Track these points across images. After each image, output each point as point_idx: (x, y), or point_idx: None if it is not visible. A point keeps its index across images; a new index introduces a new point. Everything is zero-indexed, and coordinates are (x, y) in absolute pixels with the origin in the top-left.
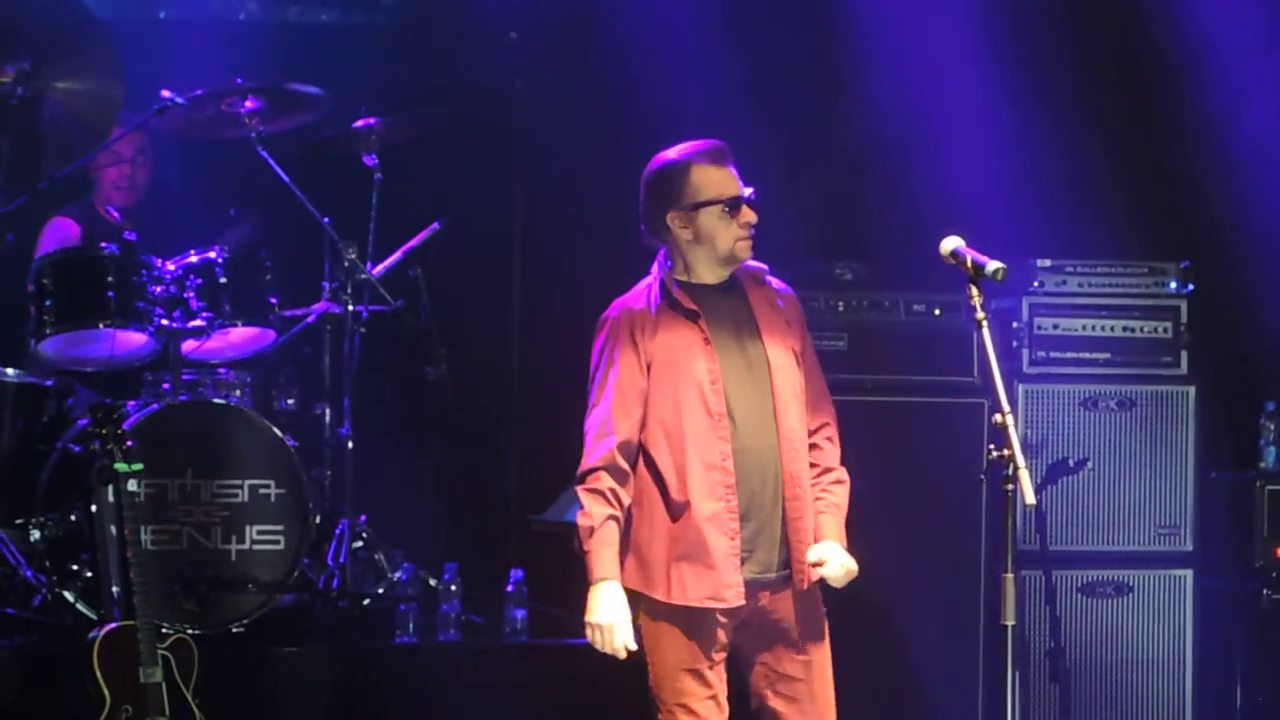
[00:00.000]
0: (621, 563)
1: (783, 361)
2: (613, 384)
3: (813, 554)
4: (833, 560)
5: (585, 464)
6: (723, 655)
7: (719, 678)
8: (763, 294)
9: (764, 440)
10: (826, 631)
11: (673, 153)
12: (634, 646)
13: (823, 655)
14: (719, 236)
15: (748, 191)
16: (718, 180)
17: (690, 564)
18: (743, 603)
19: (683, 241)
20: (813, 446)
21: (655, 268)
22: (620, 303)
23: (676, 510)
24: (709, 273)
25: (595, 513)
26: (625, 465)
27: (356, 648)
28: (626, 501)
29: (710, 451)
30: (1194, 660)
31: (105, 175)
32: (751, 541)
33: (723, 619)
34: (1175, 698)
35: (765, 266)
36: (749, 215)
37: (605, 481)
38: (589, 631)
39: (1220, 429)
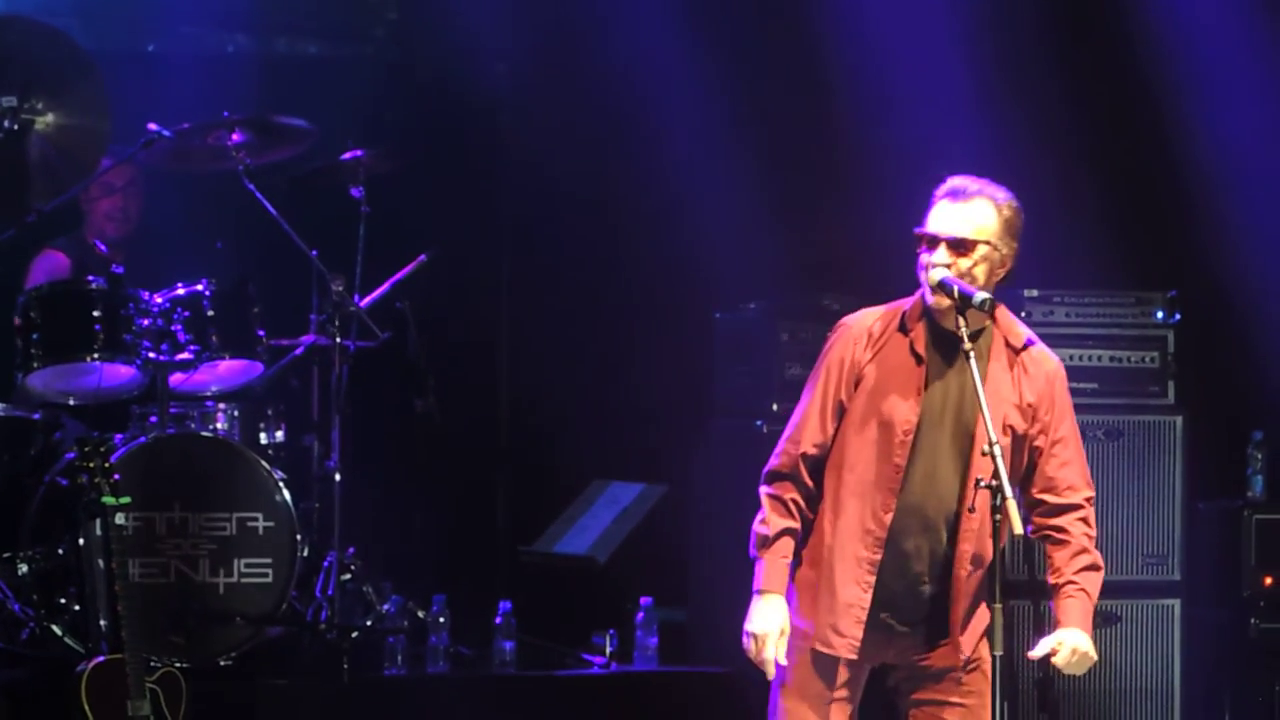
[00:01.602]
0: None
1: (999, 422)
2: (818, 392)
3: (1047, 643)
4: (1066, 646)
5: (771, 464)
6: (844, 700)
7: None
8: (1011, 363)
9: (939, 508)
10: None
11: None
12: (784, 662)
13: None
14: (922, 276)
15: (943, 232)
16: (932, 213)
17: (819, 599)
18: (853, 657)
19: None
20: (1059, 529)
21: (918, 295)
22: (862, 312)
23: (825, 539)
24: (942, 317)
25: (774, 523)
26: (808, 477)
27: (345, 680)
28: (810, 516)
29: (873, 498)
30: (1182, 689)
31: (98, 207)
32: (893, 601)
33: (847, 664)
34: None
35: (1033, 338)
36: (933, 256)
37: (790, 491)
38: (745, 639)
39: (1207, 458)
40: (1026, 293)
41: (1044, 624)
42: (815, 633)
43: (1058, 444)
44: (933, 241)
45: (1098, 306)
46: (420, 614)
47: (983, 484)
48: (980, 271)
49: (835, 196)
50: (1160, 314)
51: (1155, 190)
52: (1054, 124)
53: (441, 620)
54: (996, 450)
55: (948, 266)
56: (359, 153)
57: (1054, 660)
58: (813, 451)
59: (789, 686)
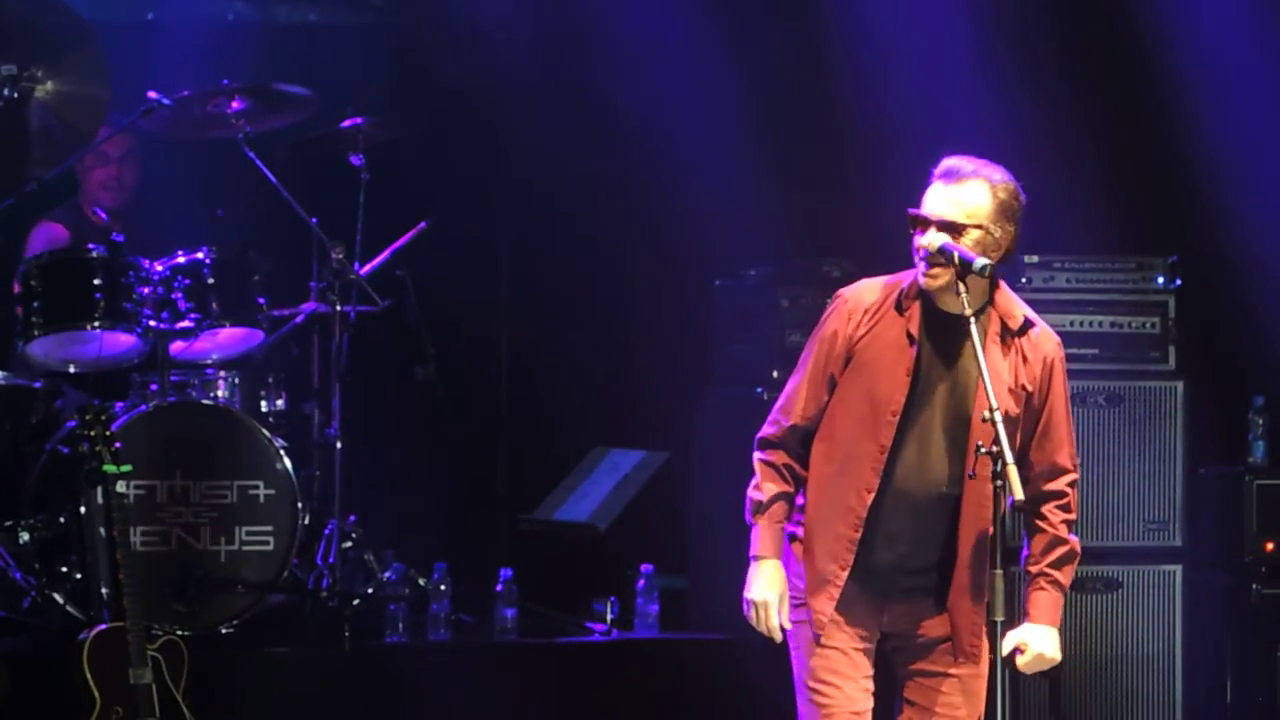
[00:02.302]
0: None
1: (994, 404)
2: (810, 363)
3: (1012, 639)
4: (1030, 650)
5: (764, 431)
6: (861, 651)
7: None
8: (1008, 346)
9: (928, 491)
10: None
11: None
12: (789, 626)
13: (977, 681)
14: (915, 259)
15: (933, 214)
16: (925, 197)
17: (806, 567)
18: (821, 632)
19: None
20: (1039, 515)
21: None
22: (859, 285)
23: (809, 511)
24: (938, 297)
25: (767, 489)
26: (800, 446)
27: (346, 648)
28: (803, 477)
29: (856, 476)
30: (1184, 655)
31: (92, 176)
32: (878, 577)
33: (851, 619)
34: (1165, 693)
35: (1033, 319)
36: (925, 239)
37: (783, 458)
38: (745, 607)
39: (1209, 424)
40: (1026, 258)
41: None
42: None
43: (1048, 427)
44: (924, 223)
45: (1098, 272)
46: (421, 581)
47: (983, 450)
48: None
49: (836, 161)
50: (1161, 279)
51: (1156, 155)
52: (1055, 88)
53: (443, 588)
54: (997, 416)
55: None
56: (359, 120)
57: (1016, 661)
58: (803, 424)
59: (805, 646)
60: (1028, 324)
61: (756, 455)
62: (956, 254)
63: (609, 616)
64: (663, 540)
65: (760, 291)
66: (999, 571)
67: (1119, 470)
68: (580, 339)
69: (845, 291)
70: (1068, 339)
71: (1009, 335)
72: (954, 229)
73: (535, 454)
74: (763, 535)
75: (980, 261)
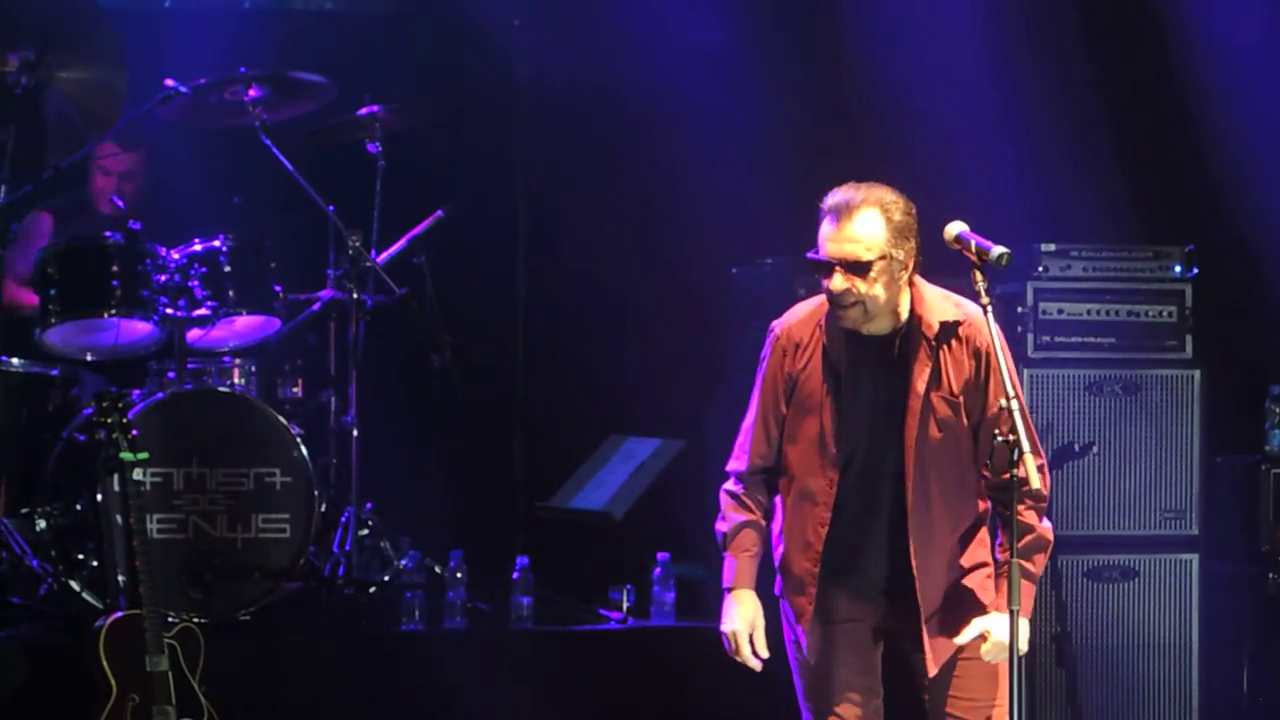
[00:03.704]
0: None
1: (930, 418)
2: (758, 401)
3: (975, 628)
4: (994, 635)
5: (729, 464)
6: (860, 668)
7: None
8: (931, 351)
9: (880, 496)
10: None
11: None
12: (765, 655)
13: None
14: (828, 300)
15: (834, 256)
16: (821, 236)
17: (788, 583)
18: (806, 655)
19: None
20: (1006, 505)
21: None
22: (791, 315)
23: (781, 544)
24: (860, 328)
25: (731, 519)
26: (763, 477)
27: (363, 635)
28: (767, 505)
29: (810, 512)
30: (1200, 644)
31: (94, 180)
32: (853, 593)
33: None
34: (1181, 682)
35: (962, 316)
36: (833, 283)
37: (745, 489)
38: (722, 639)
39: (1225, 412)
40: (1043, 247)
41: (1060, 579)
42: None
43: (998, 417)
44: (827, 267)
45: (1115, 261)
46: (437, 569)
47: (999, 439)
48: (881, 287)
49: (850, 149)
50: (1178, 268)
51: (1173, 143)
52: (1072, 77)
53: (459, 575)
54: (1014, 405)
55: (848, 291)
56: (375, 108)
57: (981, 649)
58: (760, 463)
59: (799, 669)
60: (953, 325)
61: (722, 488)
62: (974, 243)
63: (625, 605)
64: (679, 528)
65: (776, 280)
66: (1016, 561)
67: (1135, 459)
68: (596, 327)
69: (777, 325)
70: (1084, 328)
71: (937, 340)
72: (859, 268)
73: (551, 442)
74: (730, 566)
75: (997, 251)
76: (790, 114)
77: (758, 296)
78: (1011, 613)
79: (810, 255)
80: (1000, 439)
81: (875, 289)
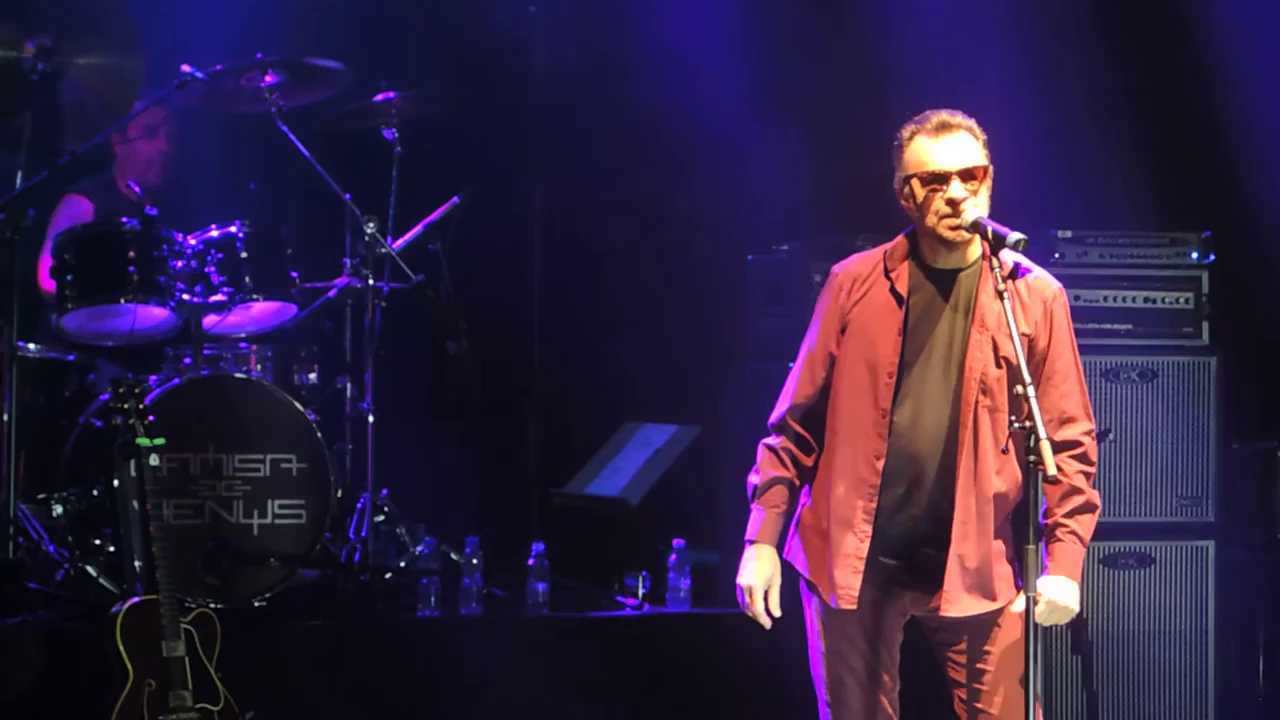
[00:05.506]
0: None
1: (990, 370)
2: (807, 344)
3: (1034, 588)
4: (1044, 599)
5: (771, 417)
6: (867, 653)
7: (871, 665)
8: (1003, 291)
9: (927, 449)
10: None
11: (911, 122)
12: (777, 613)
13: (1014, 653)
14: (926, 213)
15: (954, 167)
16: (928, 153)
17: (820, 550)
18: (851, 607)
19: (911, 215)
20: (1056, 466)
21: (903, 235)
22: (852, 259)
23: (823, 490)
24: (932, 253)
25: (765, 473)
26: (802, 429)
27: (378, 622)
28: (807, 463)
29: (864, 446)
30: (1216, 631)
31: (136, 151)
32: (894, 548)
33: (865, 615)
34: (1198, 669)
35: (1025, 266)
36: (952, 191)
37: (784, 442)
38: (738, 591)
39: (1242, 399)
40: (1060, 233)
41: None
42: (820, 586)
43: (1054, 373)
44: (939, 179)
45: (1132, 247)
46: (453, 556)
47: (1015, 425)
48: (985, 198)
49: (868, 135)
50: (1195, 254)
51: (1190, 128)
52: (1090, 62)
53: (475, 562)
54: (1031, 391)
55: (968, 199)
56: (392, 94)
57: (1035, 612)
58: (803, 402)
59: (815, 639)
60: (1020, 269)
61: (761, 442)
62: (991, 229)
63: (641, 591)
64: (695, 515)
65: (792, 266)
66: (1032, 547)
67: (1152, 445)
68: (613, 314)
69: (837, 267)
70: (1102, 314)
71: (1007, 279)
72: (973, 175)
73: (567, 428)
74: (756, 519)
75: (1014, 236)
76: (808, 101)
77: (773, 283)
78: (1030, 599)
79: (930, 169)
80: (1017, 425)
81: (981, 198)
